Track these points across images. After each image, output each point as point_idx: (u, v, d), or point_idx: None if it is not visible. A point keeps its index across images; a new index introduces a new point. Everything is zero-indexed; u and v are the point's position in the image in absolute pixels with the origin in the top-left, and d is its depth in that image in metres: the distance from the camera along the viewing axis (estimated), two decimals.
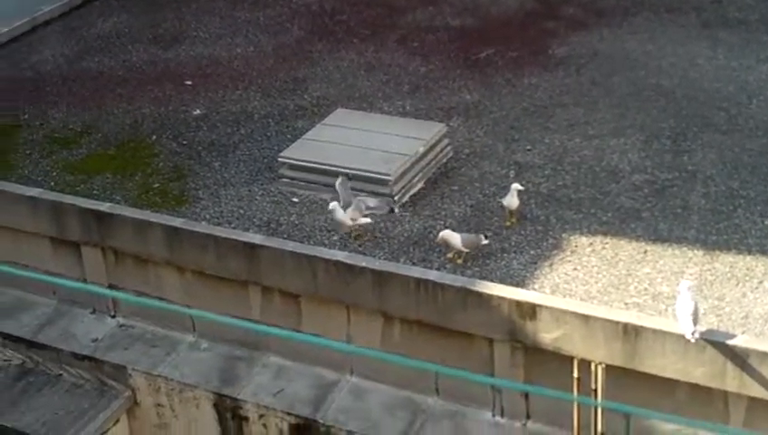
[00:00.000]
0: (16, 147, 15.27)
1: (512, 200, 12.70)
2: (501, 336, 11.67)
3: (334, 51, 17.39)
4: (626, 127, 14.60)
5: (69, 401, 13.42)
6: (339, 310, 12.51)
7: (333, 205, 12.71)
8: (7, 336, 13.99)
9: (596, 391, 11.02)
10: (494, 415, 12.10)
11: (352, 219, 12.69)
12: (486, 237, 12.36)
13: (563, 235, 12.62)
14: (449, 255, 12.27)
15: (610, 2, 18.21)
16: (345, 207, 12.74)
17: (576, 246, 12.40)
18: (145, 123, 15.65)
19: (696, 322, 10.66)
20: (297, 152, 14.02)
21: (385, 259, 12.38)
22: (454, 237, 12.18)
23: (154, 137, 15.28)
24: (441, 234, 12.27)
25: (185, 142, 15.08)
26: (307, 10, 18.93)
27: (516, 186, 12.75)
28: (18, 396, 13.53)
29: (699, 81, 15.58)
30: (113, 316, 13.94)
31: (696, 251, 12.18)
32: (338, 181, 13.00)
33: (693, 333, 10.62)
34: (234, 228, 13.08)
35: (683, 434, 11.24)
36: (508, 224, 12.79)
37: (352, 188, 13.28)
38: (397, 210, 13.12)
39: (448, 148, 14.26)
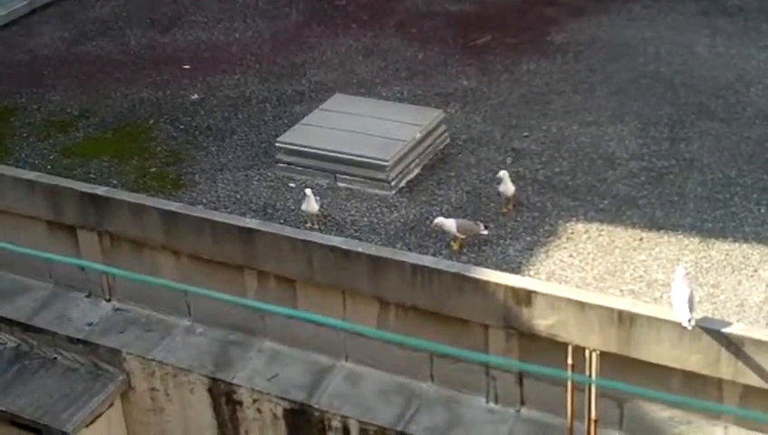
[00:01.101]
0: (13, 130, 15.25)
1: (507, 187, 12.69)
2: (496, 322, 11.67)
3: (332, 36, 17.36)
4: (623, 114, 14.58)
5: (63, 384, 13.43)
6: (335, 295, 12.50)
7: (310, 191, 12.72)
8: (2, 319, 13.99)
9: (590, 377, 11.00)
10: (488, 401, 12.11)
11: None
12: (486, 227, 12.34)
13: (559, 221, 12.61)
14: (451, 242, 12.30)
15: None
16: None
17: (572, 233, 12.39)
18: (142, 107, 15.63)
19: (692, 309, 10.65)
20: (294, 137, 14.01)
21: (381, 245, 12.37)
22: (448, 223, 12.18)
23: (151, 121, 15.26)
24: (435, 220, 12.28)
25: (182, 127, 15.07)
26: None
27: (503, 172, 12.71)
28: (13, 379, 13.53)
29: (697, 68, 15.55)
30: (108, 300, 13.94)
31: (691, 239, 12.17)
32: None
33: (689, 321, 10.61)
34: (230, 213, 13.07)
35: (676, 421, 11.25)
36: (504, 210, 12.78)
37: (349, 174, 13.42)
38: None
39: (445, 134, 14.25)
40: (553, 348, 11.32)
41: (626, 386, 10.33)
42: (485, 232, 12.31)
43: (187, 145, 14.62)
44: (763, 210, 12.56)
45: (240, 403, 12.88)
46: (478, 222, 12.39)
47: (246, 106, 15.47)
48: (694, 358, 10.83)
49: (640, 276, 11.68)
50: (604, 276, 11.71)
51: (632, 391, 11.03)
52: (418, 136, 13.77)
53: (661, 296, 11.30)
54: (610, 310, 11.05)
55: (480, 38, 16.92)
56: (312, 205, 12.67)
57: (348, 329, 12.55)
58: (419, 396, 12.30)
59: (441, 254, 12.18)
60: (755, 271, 11.65)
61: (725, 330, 10.69)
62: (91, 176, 14.05)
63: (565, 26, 17.08)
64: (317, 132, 13.99)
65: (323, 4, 18.51)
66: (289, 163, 13.85)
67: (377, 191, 13.33)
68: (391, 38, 17.16)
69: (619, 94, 15.06)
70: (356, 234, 12.62)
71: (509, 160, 13.74)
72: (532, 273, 11.81)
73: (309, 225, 12.76)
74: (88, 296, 14.07)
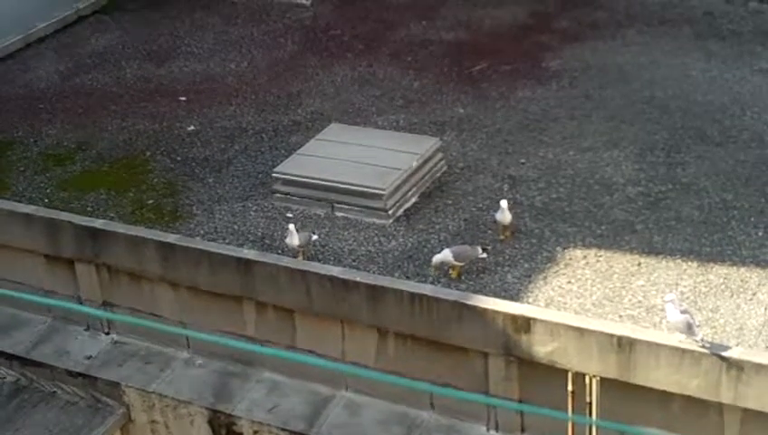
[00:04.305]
0: (10, 164, 15.27)
1: (503, 215, 12.69)
2: (495, 350, 11.65)
3: (328, 66, 17.40)
4: (619, 139, 14.60)
5: (63, 418, 13.38)
6: (333, 325, 12.48)
7: (293, 227, 12.72)
8: (1, 353, 13.94)
9: (590, 404, 11.00)
10: (488, 429, 12.06)
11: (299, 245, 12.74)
12: (484, 250, 12.33)
13: (557, 248, 12.61)
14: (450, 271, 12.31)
15: (604, 15, 18.23)
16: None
17: (570, 259, 12.39)
18: (139, 140, 15.64)
19: (698, 328, 10.71)
20: (291, 167, 14.02)
21: (379, 274, 12.37)
22: (445, 255, 12.16)
23: (148, 153, 15.28)
24: (434, 260, 12.23)
25: (179, 158, 15.08)
26: (301, 25, 18.95)
27: (504, 202, 12.72)
28: (12, 413, 13.48)
29: (692, 93, 15.59)
30: (107, 333, 13.91)
31: (690, 263, 12.17)
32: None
33: (702, 339, 10.66)
34: (228, 244, 13.08)
35: None
36: (502, 238, 12.78)
37: (346, 203, 13.44)
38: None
39: (442, 162, 14.26)
40: (553, 375, 11.30)
41: (628, 427, 10.32)
42: (484, 255, 12.30)
43: (184, 177, 14.63)
44: (760, 233, 12.57)
45: None
46: (475, 246, 12.38)
47: (243, 137, 15.49)
48: (694, 383, 10.81)
49: (639, 302, 11.67)
50: (603, 302, 11.70)
51: (635, 432, 11.00)
52: (415, 164, 13.79)
53: (660, 321, 11.29)
54: (610, 336, 11.03)
55: (475, 66, 16.96)
56: (294, 240, 12.63)
57: (345, 371, 12.54)
58: (420, 425, 12.26)
59: (440, 282, 12.17)
60: (754, 294, 11.65)
61: (725, 354, 10.67)
62: (89, 209, 14.06)
63: (560, 53, 17.13)
64: (314, 162, 14.01)
65: (318, 34, 18.57)
66: (286, 193, 13.86)
67: (374, 220, 13.34)
68: (386, 67, 17.20)
69: (615, 120, 15.09)
70: (354, 263, 12.62)
71: (506, 187, 13.75)
72: (530, 300, 11.81)
73: (300, 257, 12.73)
74: (86, 330, 14.03)
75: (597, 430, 11.06)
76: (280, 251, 12.90)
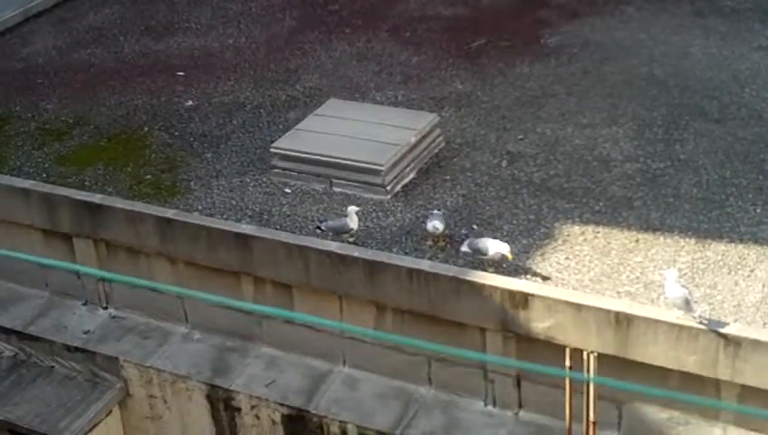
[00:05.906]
0: (8, 139, 15.24)
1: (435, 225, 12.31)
2: (493, 326, 11.68)
3: (326, 41, 17.36)
4: (618, 116, 14.58)
5: (61, 392, 13.41)
6: (331, 300, 12.50)
7: (353, 208, 12.57)
8: None
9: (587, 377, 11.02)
10: (486, 404, 12.11)
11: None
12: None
13: (555, 224, 12.61)
14: (428, 243, 12.28)
15: None
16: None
17: (568, 236, 12.40)
18: (137, 115, 15.62)
19: (696, 304, 10.74)
20: (289, 143, 14.01)
21: (377, 249, 12.37)
22: (471, 244, 11.97)
23: (146, 128, 15.25)
24: (475, 243, 11.99)
25: (177, 133, 15.06)
26: (299, 0, 18.89)
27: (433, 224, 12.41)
28: (10, 388, 13.51)
29: (691, 69, 15.56)
30: (105, 308, 13.93)
31: (687, 240, 12.17)
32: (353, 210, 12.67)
33: (700, 315, 10.73)
34: (226, 219, 13.07)
35: (675, 422, 11.26)
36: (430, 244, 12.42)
37: (344, 178, 13.43)
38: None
39: (440, 138, 14.25)
40: (551, 350, 11.32)
41: (622, 384, 10.37)
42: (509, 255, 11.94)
43: (182, 152, 14.61)
44: (758, 210, 12.57)
45: (238, 410, 12.88)
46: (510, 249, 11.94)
47: (241, 112, 15.47)
48: (691, 359, 10.84)
49: (637, 278, 11.68)
50: (601, 278, 11.71)
51: (629, 388, 11.04)
52: (413, 140, 13.77)
53: (658, 298, 11.30)
54: (607, 312, 11.06)
55: (474, 41, 16.92)
56: (354, 223, 12.45)
57: (345, 330, 12.56)
58: (417, 400, 12.30)
59: (437, 257, 12.18)
60: (752, 271, 11.66)
61: (723, 330, 10.70)
62: (87, 184, 14.04)
63: (558, 29, 17.09)
64: (312, 137, 13.99)
65: (317, 10, 18.52)
66: (284, 169, 13.84)
67: (372, 196, 13.34)
68: (385, 42, 17.16)
69: (613, 96, 15.06)
70: (352, 238, 12.61)
71: (504, 164, 13.74)
72: (528, 276, 11.82)
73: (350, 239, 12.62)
74: (84, 304, 14.06)
75: (594, 402, 11.05)
76: (278, 226, 12.89)
